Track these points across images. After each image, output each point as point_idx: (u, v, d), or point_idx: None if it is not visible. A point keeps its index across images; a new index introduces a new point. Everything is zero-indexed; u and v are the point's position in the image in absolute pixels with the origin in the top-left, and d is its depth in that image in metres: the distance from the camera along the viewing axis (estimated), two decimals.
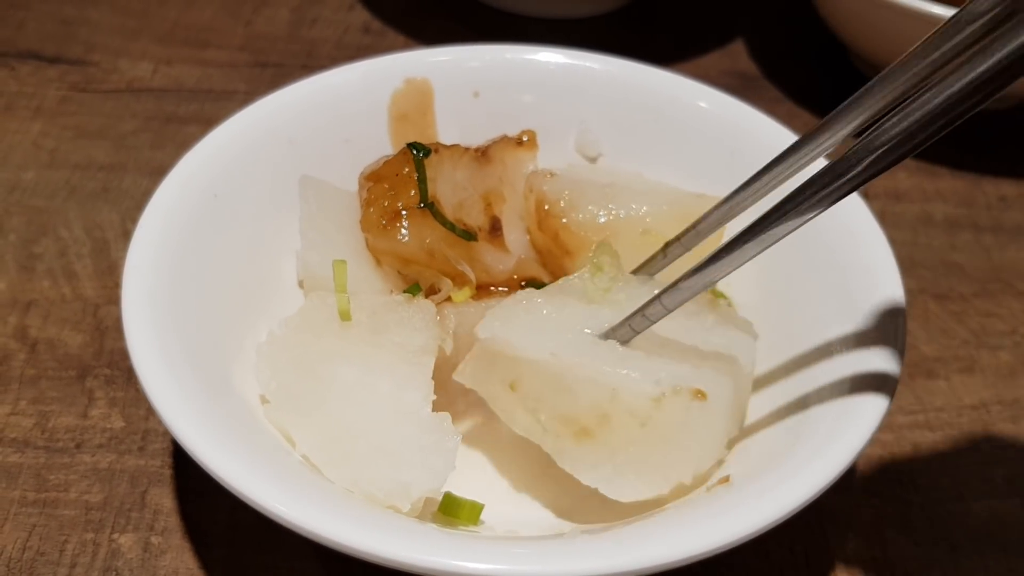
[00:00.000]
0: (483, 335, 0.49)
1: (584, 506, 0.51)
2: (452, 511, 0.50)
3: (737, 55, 0.98)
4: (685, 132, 0.65)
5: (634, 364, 0.47)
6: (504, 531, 0.51)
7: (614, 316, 0.50)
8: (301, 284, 0.60)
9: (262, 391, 0.51)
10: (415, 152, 0.58)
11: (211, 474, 0.42)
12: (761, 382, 0.55)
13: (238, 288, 0.55)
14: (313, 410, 0.48)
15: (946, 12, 0.76)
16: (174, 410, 0.44)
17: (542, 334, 0.49)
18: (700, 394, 0.47)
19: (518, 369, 0.49)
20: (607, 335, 0.49)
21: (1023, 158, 0.87)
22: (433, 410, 0.49)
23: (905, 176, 0.84)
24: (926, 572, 0.55)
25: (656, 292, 0.48)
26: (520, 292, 0.53)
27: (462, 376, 0.52)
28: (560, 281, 0.53)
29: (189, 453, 0.43)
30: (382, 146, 0.65)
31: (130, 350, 0.46)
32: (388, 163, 0.58)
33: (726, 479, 0.47)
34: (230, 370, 0.51)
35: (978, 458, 0.61)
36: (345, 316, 0.51)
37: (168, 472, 0.56)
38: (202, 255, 0.53)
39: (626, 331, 0.49)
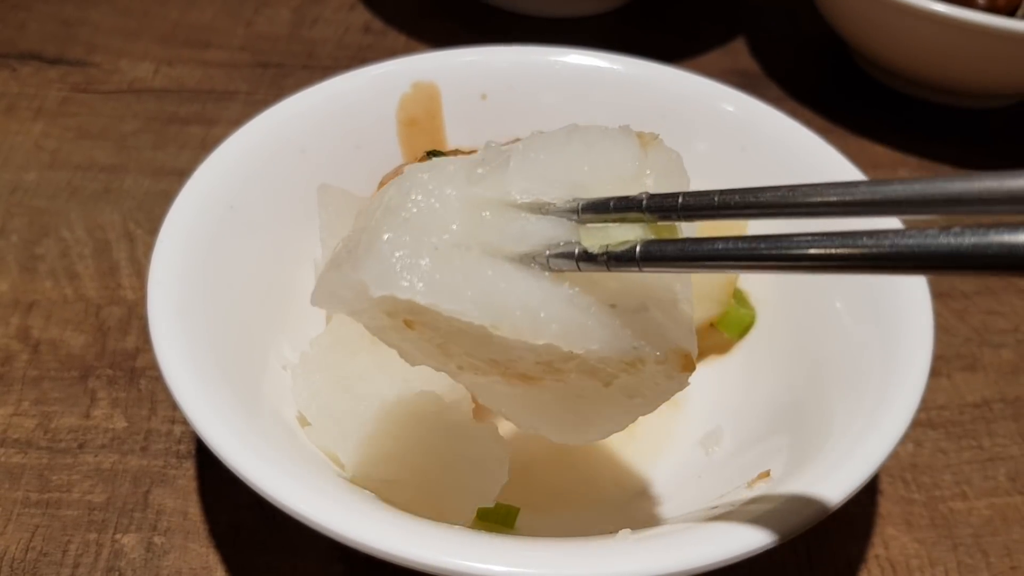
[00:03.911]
0: (376, 292, 0.34)
1: (616, 511, 0.51)
2: (489, 515, 0.49)
3: (738, 53, 0.98)
4: (694, 129, 0.65)
5: (594, 316, 0.35)
6: (540, 535, 0.50)
7: (543, 229, 0.35)
8: None
9: (303, 413, 0.50)
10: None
11: (271, 500, 0.40)
12: (790, 377, 0.55)
13: (258, 300, 0.55)
14: (358, 431, 0.48)
15: (949, 10, 0.76)
16: (218, 432, 0.42)
17: (461, 277, 0.35)
18: (689, 363, 0.37)
19: (422, 314, 0.36)
20: (540, 258, 0.35)
21: None
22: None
23: (906, 175, 0.84)
24: (928, 570, 0.55)
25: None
26: (412, 175, 0.37)
27: (320, 299, 0.39)
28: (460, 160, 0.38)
29: (241, 476, 0.41)
30: (393, 152, 0.65)
31: (162, 368, 0.45)
32: None
33: (766, 474, 0.47)
34: (260, 386, 0.50)
35: (980, 456, 0.61)
36: None
37: (171, 472, 0.56)
38: (222, 268, 0.53)
39: (566, 260, 0.35)
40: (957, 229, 0.26)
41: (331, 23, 0.98)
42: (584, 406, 0.39)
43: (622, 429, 0.40)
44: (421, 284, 0.34)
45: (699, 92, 0.65)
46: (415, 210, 0.35)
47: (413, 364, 0.40)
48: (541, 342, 0.35)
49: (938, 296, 0.72)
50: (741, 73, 0.95)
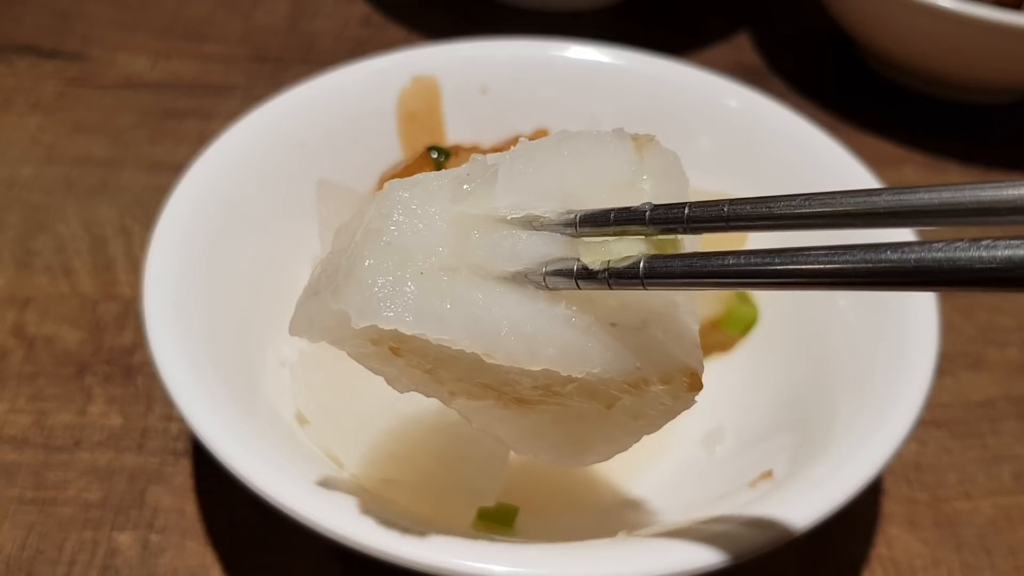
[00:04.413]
0: (359, 323, 0.33)
1: (616, 510, 0.51)
2: (489, 515, 0.49)
3: (741, 48, 0.98)
4: (697, 124, 0.64)
5: (597, 338, 0.33)
6: (540, 535, 0.50)
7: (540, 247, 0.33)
8: None
9: (302, 411, 0.50)
10: (434, 155, 0.57)
11: (270, 501, 0.40)
12: (793, 375, 0.54)
13: (256, 295, 0.54)
14: (358, 430, 0.47)
15: (955, 5, 0.75)
16: (215, 431, 0.42)
17: (450, 304, 0.33)
18: (696, 382, 0.35)
19: (408, 342, 0.34)
20: (533, 276, 0.33)
21: None
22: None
23: (912, 171, 0.84)
24: (931, 570, 0.54)
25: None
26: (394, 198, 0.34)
27: (298, 328, 0.37)
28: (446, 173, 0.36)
29: (238, 476, 0.40)
30: (393, 146, 0.64)
31: (158, 365, 0.44)
32: (407, 168, 0.57)
33: (769, 473, 0.47)
34: (258, 384, 0.50)
35: (985, 455, 0.61)
36: None
37: (167, 470, 0.56)
38: (220, 262, 0.53)
39: (563, 276, 0.32)
40: (988, 241, 0.23)
41: (330, 16, 0.97)
42: (585, 428, 0.37)
43: (625, 450, 0.39)
44: (407, 313, 0.32)
45: (702, 87, 0.65)
46: (397, 232, 0.33)
47: (401, 391, 0.37)
48: (538, 368, 0.33)
49: (943, 295, 0.72)
50: (745, 68, 0.94)
